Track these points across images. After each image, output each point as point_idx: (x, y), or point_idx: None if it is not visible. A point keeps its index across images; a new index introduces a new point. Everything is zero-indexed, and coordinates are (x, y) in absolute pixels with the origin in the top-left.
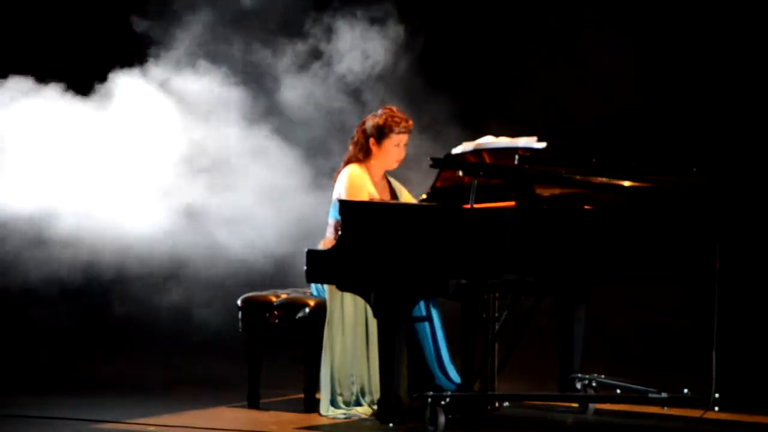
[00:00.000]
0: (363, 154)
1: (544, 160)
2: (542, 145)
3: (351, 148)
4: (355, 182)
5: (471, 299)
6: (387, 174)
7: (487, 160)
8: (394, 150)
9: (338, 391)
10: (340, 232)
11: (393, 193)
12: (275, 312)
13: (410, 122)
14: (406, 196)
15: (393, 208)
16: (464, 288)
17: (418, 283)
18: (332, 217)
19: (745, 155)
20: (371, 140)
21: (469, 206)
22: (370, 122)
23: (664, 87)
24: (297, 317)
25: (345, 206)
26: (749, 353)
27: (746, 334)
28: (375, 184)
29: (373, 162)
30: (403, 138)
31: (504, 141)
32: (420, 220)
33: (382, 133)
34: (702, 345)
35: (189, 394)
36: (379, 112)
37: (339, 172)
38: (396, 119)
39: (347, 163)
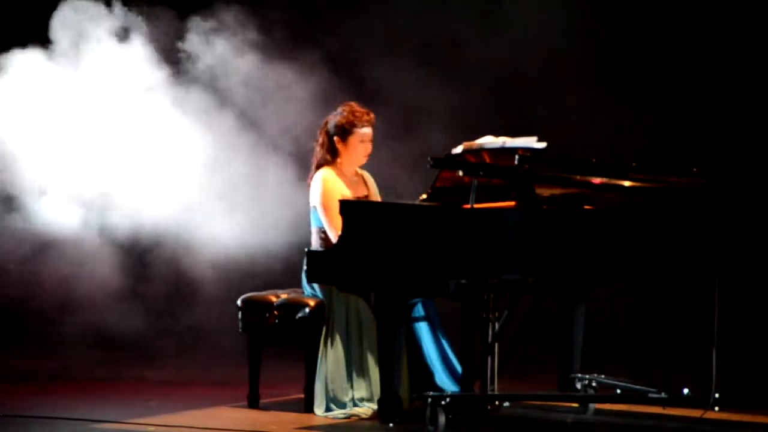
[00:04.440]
0: (331, 155)
1: (544, 160)
2: (542, 145)
3: (318, 150)
4: (328, 187)
5: (471, 299)
6: (360, 168)
7: (487, 160)
8: (360, 146)
9: (331, 396)
10: (341, 232)
11: (368, 188)
12: (275, 312)
13: (372, 115)
14: (374, 190)
15: (393, 208)
16: (464, 288)
17: (418, 283)
18: (314, 225)
19: (745, 155)
20: (336, 139)
21: (469, 206)
22: (332, 122)
23: (663, 86)
24: (297, 317)
25: (345, 206)
26: (749, 353)
27: (746, 334)
28: (349, 183)
29: (343, 161)
30: (368, 132)
31: (504, 141)
32: (420, 220)
33: (345, 130)
34: (702, 345)
35: (189, 394)
36: (339, 110)
37: (311, 177)
38: (356, 114)
39: (318, 167)
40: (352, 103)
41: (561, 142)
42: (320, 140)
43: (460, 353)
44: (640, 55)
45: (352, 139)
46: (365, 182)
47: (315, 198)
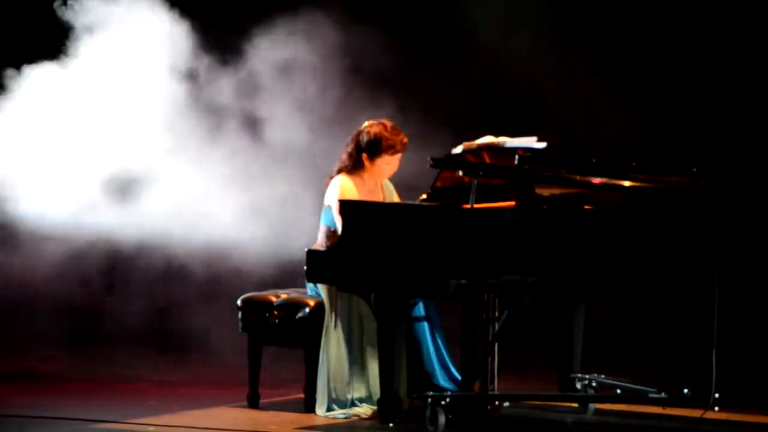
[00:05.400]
0: (355, 167)
1: (544, 160)
2: (542, 145)
3: (344, 157)
4: (345, 193)
5: (471, 299)
6: None
7: (487, 160)
8: (386, 167)
9: (333, 396)
10: (340, 233)
11: (384, 197)
12: (275, 312)
13: (405, 141)
14: (390, 199)
15: (393, 208)
16: (464, 288)
17: (418, 283)
18: (323, 222)
19: (745, 155)
20: (364, 155)
21: (469, 206)
22: (365, 137)
23: (664, 86)
24: (297, 317)
25: (345, 206)
26: (749, 353)
27: (746, 334)
28: (367, 191)
29: (366, 174)
30: (397, 156)
31: (504, 141)
32: (420, 220)
33: (375, 150)
34: (702, 345)
35: (189, 394)
36: (375, 126)
37: (331, 178)
38: (391, 140)
39: (339, 171)
40: (389, 124)
41: (560, 142)
42: (349, 149)
43: (460, 353)
44: (640, 54)
45: (380, 161)
46: (383, 191)
47: (331, 199)
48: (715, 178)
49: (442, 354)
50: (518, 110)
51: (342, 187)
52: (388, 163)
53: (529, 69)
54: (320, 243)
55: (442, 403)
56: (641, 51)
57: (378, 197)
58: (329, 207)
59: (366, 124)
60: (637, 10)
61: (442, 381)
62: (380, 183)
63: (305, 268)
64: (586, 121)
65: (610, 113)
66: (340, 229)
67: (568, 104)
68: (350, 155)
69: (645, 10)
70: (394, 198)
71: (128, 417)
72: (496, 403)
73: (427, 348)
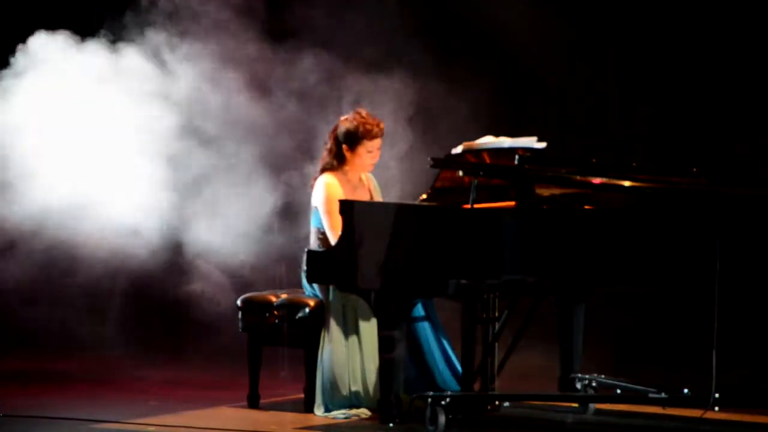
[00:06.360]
0: (337, 161)
1: (544, 160)
2: (542, 145)
3: (325, 155)
4: (331, 192)
5: (471, 299)
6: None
7: (487, 160)
8: (367, 155)
9: (331, 397)
10: (341, 232)
11: (371, 192)
12: (275, 312)
13: (382, 126)
14: (377, 195)
15: (393, 208)
16: (464, 288)
17: (418, 283)
18: (314, 224)
19: (745, 155)
20: (344, 147)
21: (469, 206)
22: (342, 128)
23: (664, 86)
24: (297, 317)
25: (345, 206)
26: (749, 353)
27: (746, 333)
28: (352, 188)
29: (349, 167)
30: (377, 142)
31: (504, 141)
32: (420, 220)
33: (354, 139)
34: (702, 345)
35: (189, 394)
36: (350, 116)
37: (315, 179)
38: (368, 126)
39: (323, 170)
40: (364, 111)
41: (560, 141)
42: (329, 145)
43: (460, 353)
44: (640, 54)
45: (361, 149)
46: (369, 186)
47: (317, 200)
48: (715, 178)
49: (447, 352)
50: (518, 110)
51: (327, 186)
52: (369, 151)
53: (531, 68)
54: (313, 247)
55: (442, 403)
56: (641, 50)
57: (364, 192)
58: (316, 208)
59: (341, 119)
60: (638, 10)
61: (447, 379)
62: (365, 177)
63: (305, 268)
64: (586, 120)
65: (610, 113)
66: (327, 228)
67: (568, 104)
68: (330, 151)
69: (646, 9)
70: (380, 195)
71: (128, 417)
72: (496, 403)
73: (429, 347)
